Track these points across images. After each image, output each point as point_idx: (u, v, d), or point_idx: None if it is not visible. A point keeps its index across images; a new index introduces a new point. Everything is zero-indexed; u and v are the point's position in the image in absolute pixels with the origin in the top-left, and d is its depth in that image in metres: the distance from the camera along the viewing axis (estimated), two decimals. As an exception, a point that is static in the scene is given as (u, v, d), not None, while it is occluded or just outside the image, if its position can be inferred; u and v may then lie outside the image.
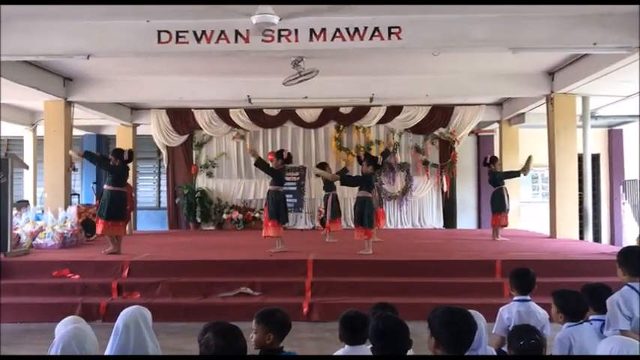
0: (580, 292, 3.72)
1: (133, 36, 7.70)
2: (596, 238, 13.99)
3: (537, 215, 13.73)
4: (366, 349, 3.20)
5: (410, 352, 2.93)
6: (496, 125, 14.40)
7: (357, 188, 8.87)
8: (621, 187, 14.46)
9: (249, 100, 11.83)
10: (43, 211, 10.20)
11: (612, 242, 14.46)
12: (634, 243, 9.83)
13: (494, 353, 3.49)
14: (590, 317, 3.69)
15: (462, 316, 2.65)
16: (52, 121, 11.12)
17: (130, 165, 9.30)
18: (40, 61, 9.64)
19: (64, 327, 3.24)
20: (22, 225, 9.47)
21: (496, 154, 14.37)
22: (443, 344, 2.61)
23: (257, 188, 14.04)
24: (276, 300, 6.79)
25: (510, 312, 4.15)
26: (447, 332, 2.59)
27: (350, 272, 7.74)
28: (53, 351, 2.89)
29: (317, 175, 11.15)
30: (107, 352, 3.34)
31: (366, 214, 8.51)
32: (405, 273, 7.69)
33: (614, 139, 15.17)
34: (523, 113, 12.95)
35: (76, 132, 12.40)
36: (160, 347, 3.51)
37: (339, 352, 3.35)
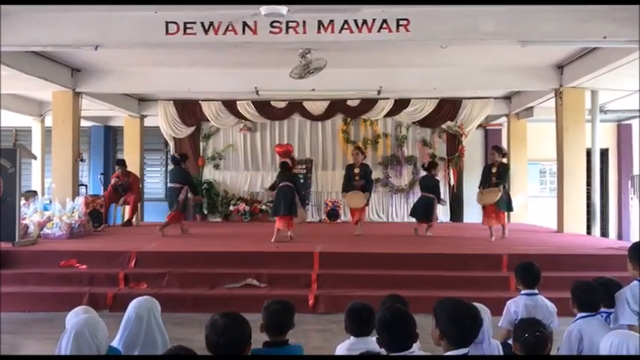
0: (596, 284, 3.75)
1: (141, 27, 7.70)
2: (604, 232, 13.95)
3: (545, 210, 13.69)
4: (371, 340, 3.20)
5: (416, 345, 2.94)
6: (504, 119, 14.34)
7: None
8: (630, 181, 14.39)
9: (257, 92, 11.82)
10: (50, 202, 10.24)
11: (620, 237, 14.43)
12: (642, 238, 9.78)
13: (499, 346, 3.49)
14: (601, 310, 3.71)
15: (469, 312, 2.68)
16: (60, 112, 11.17)
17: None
18: (49, 52, 9.67)
19: (75, 316, 3.28)
20: (30, 215, 9.52)
21: (504, 148, 14.37)
22: (448, 337, 2.65)
23: (264, 180, 14.00)
24: (282, 292, 6.82)
25: (517, 305, 4.17)
26: (454, 327, 2.63)
27: (356, 265, 7.74)
28: (65, 338, 2.92)
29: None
30: (116, 341, 3.37)
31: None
32: (412, 266, 7.68)
33: (623, 133, 15.09)
34: (531, 107, 12.90)
35: (83, 123, 12.44)
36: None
37: (345, 344, 3.37)
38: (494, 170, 9.48)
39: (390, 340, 2.84)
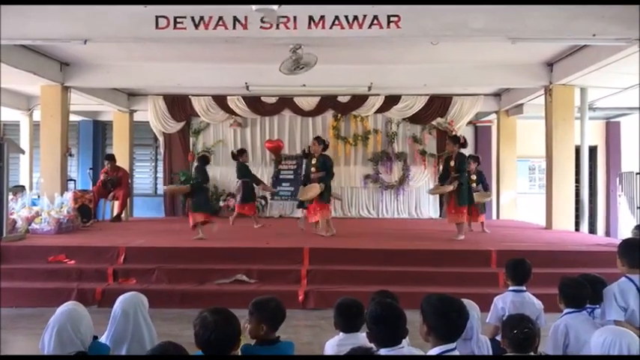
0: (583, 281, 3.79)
1: (131, 21, 7.64)
2: (592, 229, 14.06)
3: (533, 206, 13.76)
4: (361, 336, 3.21)
5: (405, 341, 2.95)
6: (494, 116, 14.39)
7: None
8: (617, 179, 14.51)
9: (247, 88, 11.76)
10: (39, 197, 10.17)
11: (608, 234, 14.54)
12: (629, 235, 9.84)
13: (488, 342, 3.52)
14: (586, 306, 3.75)
15: (455, 306, 2.71)
16: (49, 106, 11.07)
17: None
18: (37, 46, 9.57)
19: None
20: (17, 210, 9.45)
21: (494, 144, 14.46)
22: (435, 332, 2.69)
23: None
24: (272, 287, 6.83)
25: (505, 302, 4.19)
26: (441, 322, 2.66)
27: (346, 261, 7.76)
28: (48, 332, 2.90)
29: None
30: (104, 337, 3.36)
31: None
32: (401, 262, 7.71)
33: (612, 131, 15.22)
34: (521, 104, 12.94)
35: (72, 117, 12.33)
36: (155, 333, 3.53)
37: (334, 340, 3.37)
38: (452, 164, 8.94)
39: (381, 334, 2.85)
